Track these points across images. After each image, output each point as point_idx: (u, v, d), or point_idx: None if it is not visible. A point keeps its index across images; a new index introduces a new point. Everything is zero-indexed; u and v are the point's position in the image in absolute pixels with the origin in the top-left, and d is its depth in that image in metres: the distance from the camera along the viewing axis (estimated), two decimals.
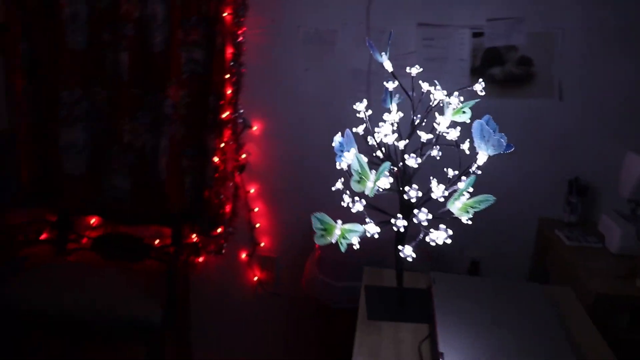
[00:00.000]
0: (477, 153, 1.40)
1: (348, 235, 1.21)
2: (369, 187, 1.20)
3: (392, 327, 1.42)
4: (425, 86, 1.37)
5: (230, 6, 2.12)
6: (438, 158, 1.37)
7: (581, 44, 2.02)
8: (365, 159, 1.22)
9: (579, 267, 1.80)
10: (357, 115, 1.42)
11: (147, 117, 2.29)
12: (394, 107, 1.45)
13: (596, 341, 1.39)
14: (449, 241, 1.24)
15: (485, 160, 1.27)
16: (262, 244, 2.37)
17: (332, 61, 2.15)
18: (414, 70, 1.40)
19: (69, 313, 1.98)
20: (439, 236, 1.19)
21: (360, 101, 2.14)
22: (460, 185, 1.19)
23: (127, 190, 2.35)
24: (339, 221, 1.23)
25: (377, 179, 1.18)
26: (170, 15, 2.17)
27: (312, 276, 2.04)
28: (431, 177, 1.36)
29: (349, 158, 1.26)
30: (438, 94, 1.33)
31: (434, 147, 1.36)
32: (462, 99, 1.35)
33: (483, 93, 1.39)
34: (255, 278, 2.40)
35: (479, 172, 1.43)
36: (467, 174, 1.42)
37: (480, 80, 1.37)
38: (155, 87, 2.25)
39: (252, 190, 2.33)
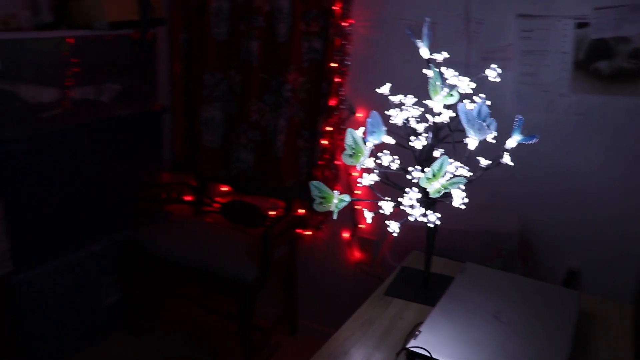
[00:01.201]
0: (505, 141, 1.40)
1: (339, 205, 1.32)
2: (360, 162, 1.29)
3: (402, 305, 1.47)
4: (450, 73, 1.38)
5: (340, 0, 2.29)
6: (473, 148, 1.37)
7: None
8: (360, 135, 1.31)
9: None
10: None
11: (271, 100, 2.58)
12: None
13: None
14: (438, 222, 1.27)
15: (476, 145, 1.26)
16: (363, 226, 2.50)
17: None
18: (439, 57, 1.42)
19: (184, 260, 2.36)
20: (415, 213, 1.22)
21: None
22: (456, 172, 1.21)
23: (251, 163, 2.67)
24: (337, 191, 1.34)
25: (365, 155, 1.27)
26: (294, 9, 2.42)
27: (382, 256, 2.12)
28: (461, 165, 1.38)
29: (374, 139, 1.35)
30: (452, 80, 1.34)
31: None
32: (473, 85, 1.34)
33: (498, 80, 1.35)
34: (355, 258, 2.54)
35: (512, 163, 1.41)
36: (498, 164, 1.42)
37: (493, 65, 1.33)
38: (279, 73, 2.52)
39: (354, 174, 2.47)
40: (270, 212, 2.66)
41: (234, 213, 2.71)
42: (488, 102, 1.35)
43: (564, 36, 1.96)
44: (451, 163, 1.22)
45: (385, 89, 1.45)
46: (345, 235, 2.56)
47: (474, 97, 1.36)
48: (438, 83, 1.27)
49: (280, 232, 2.37)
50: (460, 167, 1.22)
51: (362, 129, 1.35)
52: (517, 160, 2.11)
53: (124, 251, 2.52)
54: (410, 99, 1.40)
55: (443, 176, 1.19)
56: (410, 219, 1.24)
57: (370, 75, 2.35)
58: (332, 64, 2.35)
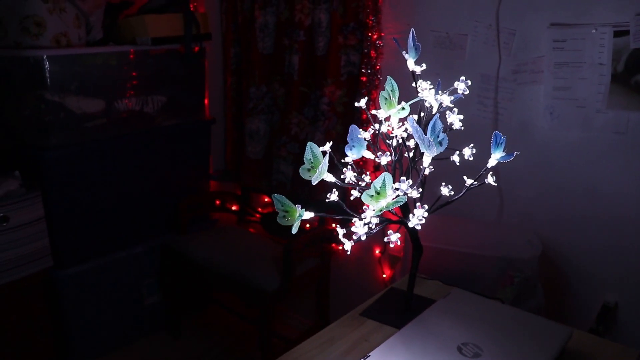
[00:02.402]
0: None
1: (297, 220, 1.30)
2: (315, 177, 1.26)
3: (374, 327, 1.41)
4: (425, 85, 1.31)
5: (372, 13, 2.25)
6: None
7: None
8: (319, 149, 1.28)
9: None
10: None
11: (310, 113, 2.59)
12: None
13: None
14: (399, 243, 1.21)
15: (429, 161, 1.17)
16: (399, 243, 2.42)
17: (461, 65, 2.08)
18: (418, 69, 1.35)
19: (213, 265, 2.42)
20: (359, 231, 1.17)
21: (486, 106, 2.05)
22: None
23: (290, 176, 2.69)
24: (299, 205, 1.32)
25: (322, 170, 1.24)
26: (332, 22, 2.42)
27: (393, 275, 2.04)
28: (443, 184, 1.31)
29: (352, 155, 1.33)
30: (425, 93, 1.26)
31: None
32: (451, 98, 1.26)
33: (467, 92, 1.25)
34: (384, 275, 2.47)
35: (495, 184, 1.30)
36: (482, 183, 1.31)
37: (463, 78, 1.24)
38: (317, 87, 2.52)
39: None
40: (307, 226, 2.66)
41: (272, 224, 2.74)
42: (460, 117, 1.26)
43: (600, 46, 1.78)
44: (404, 181, 1.15)
45: (362, 103, 1.40)
46: (377, 252, 2.49)
47: (449, 112, 1.27)
48: (392, 97, 1.21)
49: (305, 246, 2.35)
50: (411, 186, 1.15)
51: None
52: (549, 180, 1.96)
53: (165, 254, 2.63)
54: (383, 112, 1.34)
55: (390, 194, 1.13)
56: (355, 237, 1.19)
57: (401, 89, 2.27)
58: (363, 78, 2.31)
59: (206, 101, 2.83)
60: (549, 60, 1.88)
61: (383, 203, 1.14)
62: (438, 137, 1.12)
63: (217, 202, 2.85)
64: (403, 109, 1.18)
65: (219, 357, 2.62)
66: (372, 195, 1.13)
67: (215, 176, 2.97)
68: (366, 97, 1.43)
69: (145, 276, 2.62)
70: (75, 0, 2.23)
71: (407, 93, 1.33)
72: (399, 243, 1.25)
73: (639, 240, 1.82)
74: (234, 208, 2.90)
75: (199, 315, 2.92)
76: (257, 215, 2.84)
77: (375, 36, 2.25)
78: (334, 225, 2.57)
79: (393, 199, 1.13)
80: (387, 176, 1.10)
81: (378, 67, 2.29)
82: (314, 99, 2.56)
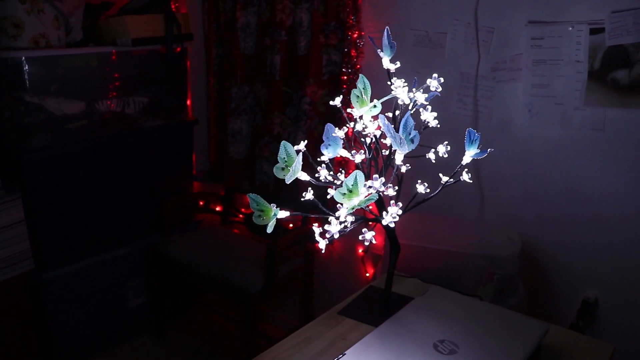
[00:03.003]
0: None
1: (271, 219, 1.30)
2: (288, 176, 1.26)
3: (352, 325, 1.41)
4: (399, 83, 1.31)
5: (352, 12, 2.25)
6: (434, 161, 1.29)
7: None
8: (294, 148, 1.28)
9: None
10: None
11: (292, 113, 2.59)
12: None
13: None
14: (374, 241, 1.22)
15: (401, 158, 1.18)
16: (375, 242, 2.42)
17: (441, 64, 2.08)
18: (392, 67, 1.36)
19: (196, 267, 2.41)
20: (332, 229, 1.17)
21: (466, 104, 2.05)
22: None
23: (273, 176, 2.67)
24: (274, 205, 1.32)
25: (295, 169, 1.23)
26: (313, 22, 2.41)
27: (374, 274, 2.04)
28: (419, 181, 1.31)
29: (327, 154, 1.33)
30: (398, 91, 1.27)
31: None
32: (425, 95, 1.26)
33: (440, 89, 1.26)
34: (367, 274, 2.47)
35: (470, 180, 1.30)
36: (458, 180, 1.32)
37: (435, 75, 1.24)
38: (300, 86, 2.52)
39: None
40: (290, 225, 2.65)
41: (255, 224, 2.72)
42: (434, 114, 1.26)
43: (577, 44, 1.79)
44: (377, 179, 1.16)
45: (337, 101, 1.40)
46: (360, 251, 2.50)
47: (422, 109, 1.28)
48: (364, 95, 1.21)
49: (288, 246, 2.35)
50: (384, 183, 1.15)
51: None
52: (529, 178, 1.97)
53: (149, 256, 2.62)
54: (357, 111, 1.34)
55: (362, 192, 1.13)
56: (328, 236, 1.19)
57: (381, 89, 2.28)
58: (343, 77, 2.31)
59: (189, 102, 2.82)
60: (527, 58, 1.89)
61: (356, 201, 1.14)
62: (410, 134, 1.12)
63: (201, 203, 2.84)
64: (375, 106, 1.18)
65: (204, 358, 2.61)
66: (345, 194, 1.13)
67: (199, 177, 2.96)
68: (341, 96, 1.41)
69: (130, 278, 2.61)
70: (54, 1, 2.21)
71: (387, 91, 1.33)
72: (373, 241, 1.26)
73: (619, 236, 1.83)
74: (217, 209, 2.89)
75: (185, 317, 2.91)
76: (241, 215, 2.83)
77: (355, 35, 2.25)
78: (316, 224, 2.56)
79: (366, 196, 1.12)
80: (358, 174, 1.10)
81: (359, 66, 2.29)
82: (296, 99, 2.56)
